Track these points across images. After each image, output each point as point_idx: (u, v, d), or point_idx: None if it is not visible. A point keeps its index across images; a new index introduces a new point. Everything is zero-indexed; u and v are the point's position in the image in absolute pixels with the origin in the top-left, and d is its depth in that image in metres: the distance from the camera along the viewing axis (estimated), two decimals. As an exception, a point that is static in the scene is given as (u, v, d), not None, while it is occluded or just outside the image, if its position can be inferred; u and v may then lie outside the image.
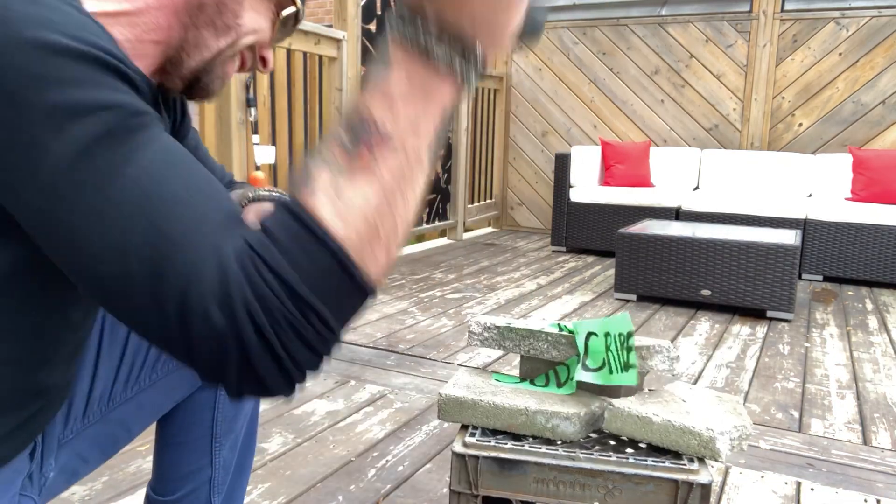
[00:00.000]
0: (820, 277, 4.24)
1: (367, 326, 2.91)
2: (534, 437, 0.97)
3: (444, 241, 5.38)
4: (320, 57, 3.88)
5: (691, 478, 0.89)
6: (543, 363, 1.07)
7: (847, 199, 4.36)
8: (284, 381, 0.51)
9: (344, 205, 0.50)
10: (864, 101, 4.78)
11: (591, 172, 5.04)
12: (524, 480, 0.93)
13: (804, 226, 4.22)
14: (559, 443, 0.96)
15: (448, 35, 0.53)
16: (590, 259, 4.76)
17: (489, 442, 0.96)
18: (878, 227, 4.03)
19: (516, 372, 1.11)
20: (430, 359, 2.52)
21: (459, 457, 0.95)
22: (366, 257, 0.51)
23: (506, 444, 0.95)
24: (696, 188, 5.00)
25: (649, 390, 1.04)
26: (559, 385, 1.02)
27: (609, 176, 5.00)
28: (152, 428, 1.00)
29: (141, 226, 0.49)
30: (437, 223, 5.20)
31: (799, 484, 1.67)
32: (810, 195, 4.64)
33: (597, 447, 0.95)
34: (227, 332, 0.48)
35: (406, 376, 2.34)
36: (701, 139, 5.30)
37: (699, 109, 5.28)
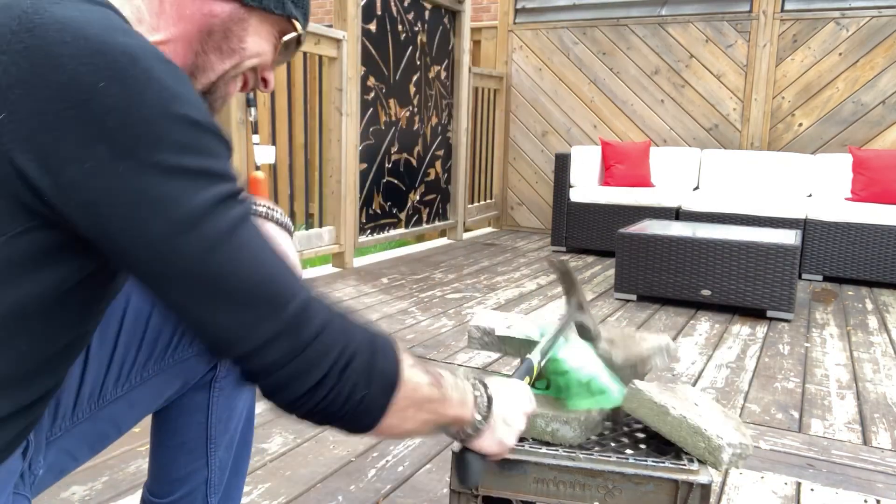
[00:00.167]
0: (820, 277, 4.24)
1: (367, 326, 2.91)
2: (533, 440, 0.97)
3: (444, 241, 5.38)
4: (320, 57, 3.88)
5: (691, 478, 0.89)
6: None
7: (847, 199, 4.36)
8: (284, 387, 0.66)
9: (411, 369, 0.74)
10: (864, 101, 4.78)
11: (591, 172, 5.04)
12: (524, 480, 0.93)
13: (804, 226, 4.22)
14: (559, 442, 0.96)
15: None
16: (590, 259, 4.76)
17: (489, 442, 0.95)
18: (878, 227, 4.03)
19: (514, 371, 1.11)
20: (430, 359, 2.52)
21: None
22: (399, 400, 0.72)
23: (506, 444, 0.95)
24: (696, 188, 5.00)
25: (668, 385, 1.04)
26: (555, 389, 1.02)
27: (609, 176, 5.00)
28: (147, 430, 1.00)
29: (269, 262, 0.65)
30: (437, 223, 5.20)
31: (799, 484, 1.67)
32: (810, 195, 4.64)
33: (597, 447, 0.95)
34: (317, 348, 0.66)
35: (406, 376, 2.34)
36: (701, 139, 5.30)
37: (699, 109, 5.28)
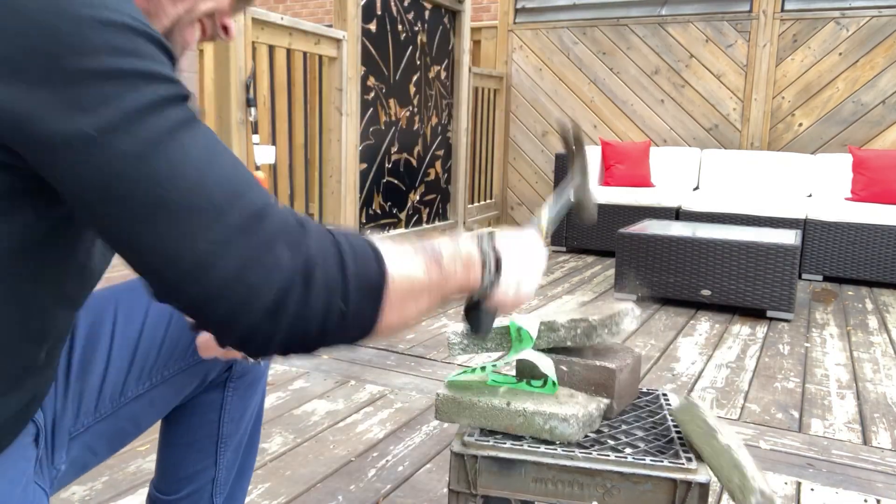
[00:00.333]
0: (820, 277, 4.23)
1: (366, 326, 2.91)
2: (532, 438, 0.97)
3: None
4: (320, 57, 3.88)
5: (689, 477, 0.89)
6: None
7: (847, 198, 4.36)
8: (251, 315, 0.58)
9: (400, 262, 0.66)
10: (864, 101, 4.77)
11: (590, 172, 5.03)
12: (523, 480, 0.93)
13: (804, 226, 4.21)
14: (558, 442, 0.96)
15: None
16: (590, 259, 4.76)
17: (488, 442, 0.96)
18: (878, 227, 4.03)
19: (514, 373, 1.11)
20: (430, 359, 2.52)
21: (458, 456, 0.95)
22: (392, 299, 0.64)
23: (504, 443, 0.95)
24: (696, 188, 5.00)
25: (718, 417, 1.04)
26: (543, 385, 1.02)
27: (609, 176, 5.00)
28: (154, 427, 1.00)
29: (221, 167, 0.58)
30: (437, 223, 5.20)
31: (799, 484, 1.67)
32: (810, 195, 4.64)
33: (595, 446, 0.95)
34: (291, 264, 0.58)
35: (406, 376, 2.34)
36: (701, 139, 5.30)
37: (699, 109, 5.28)
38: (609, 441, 0.98)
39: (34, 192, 0.58)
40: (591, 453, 0.93)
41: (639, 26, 5.40)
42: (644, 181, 4.93)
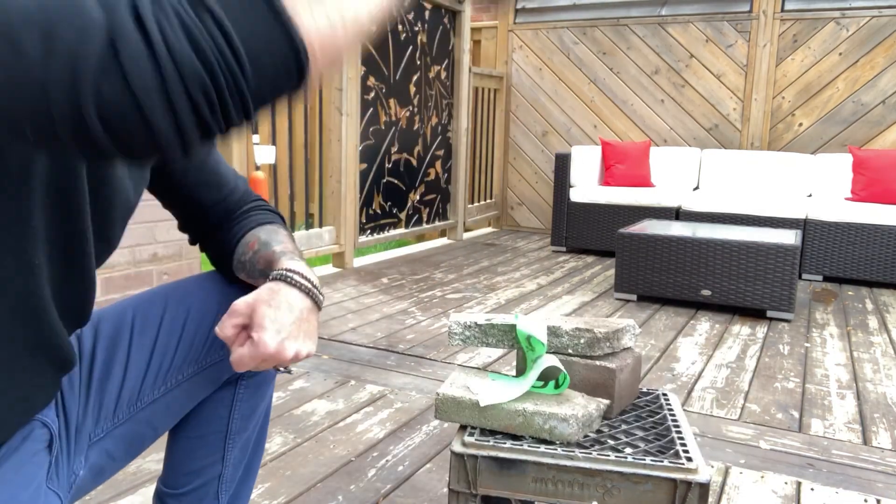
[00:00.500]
0: (820, 277, 4.23)
1: (367, 326, 2.91)
2: (532, 438, 0.97)
3: (444, 241, 5.38)
4: (320, 57, 3.88)
5: (689, 477, 0.89)
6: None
7: (847, 198, 4.36)
8: (163, 101, 0.41)
9: None
10: (864, 101, 4.77)
11: (591, 172, 5.04)
12: (523, 480, 0.93)
13: (804, 226, 4.21)
14: (557, 442, 0.96)
15: None
16: (590, 259, 4.76)
17: (488, 441, 0.96)
18: (879, 227, 4.03)
19: (514, 373, 1.11)
20: (430, 359, 2.52)
21: (458, 456, 0.95)
22: (299, 4, 0.45)
23: (504, 443, 0.95)
24: (696, 188, 5.00)
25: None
26: (556, 386, 1.02)
27: (609, 176, 5.00)
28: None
29: None
30: (437, 223, 5.20)
31: (799, 484, 1.67)
32: (810, 195, 4.64)
33: (595, 446, 0.95)
34: (98, 16, 0.40)
35: (406, 376, 2.34)
36: (701, 139, 5.30)
37: (699, 109, 5.28)
38: (609, 441, 0.98)
39: None
40: (591, 453, 0.93)
41: (639, 26, 5.40)
42: (644, 181, 4.93)
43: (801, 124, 4.97)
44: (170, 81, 0.41)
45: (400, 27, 4.48)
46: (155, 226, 3.04)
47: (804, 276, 4.25)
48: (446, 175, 5.28)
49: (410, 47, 4.63)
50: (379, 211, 4.47)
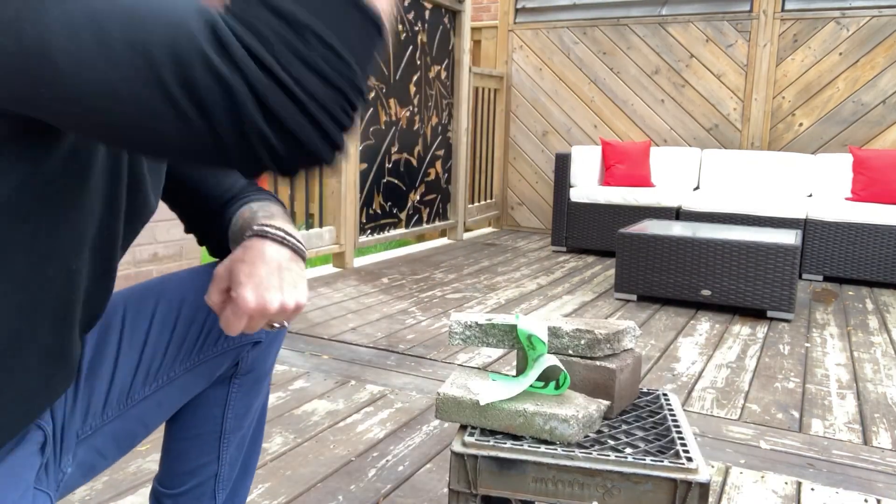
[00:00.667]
0: (820, 277, 4.23)
1: (367, 326, 2.91)
2: (532, 438, 0.97)
3: (444, 241, 5.38)
4: (320, 57, 3.88)
5: (690, 477, 0.89)
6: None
7: (847, 198, 4.36)
8: (314, 129, 0.49)
9: None
10: (864, 101, 4.77)
11: (591, 172, 5.04)
12: (523, 480, 0.93)
13: (804, 226, 4.21)
14: (558, 442, 0.96)
15: None
16: (590, 259, 4.76)
17: (488, 441, 0.96)
18: (879, 226, 4.03)
19: (515, 373, 1.11)
20: (430, 359, 2.52)
21: (458, 456, 0.95)
22: None
23: (505, 443, 0.95)
24: (697, 188, 5.00)
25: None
26: (557, 386, 1.02)
27: (609, 176, 5.00)
28: (160, 426, 1.01)
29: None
30: (437, 223, 5.20)
31: (799, 484, 1.67)
32: (810, 195, 4.64)
33: (595, 446, 0.95)
34: (229, 74, 0.47)
35: (406, 376, 2.34)
36: (701, 139, 5.30)
37: (699, 109, 5.28)
38: (609, 441, 0.98)
39: (22, 136, 0.55)
40: (591, 453, 0.93)
41: (639, 26, 5.40)
42: (644, 181, 4.93)
43: (801, 124, 4.97)
44: (318, 115, 0.50)
45: (400, 27, 4.48)
46: (155, 226, 3.04)
47: (804, 276, 4.25)
48: (446, 175, 5.28)
49: (410, 47, 4.63)
50: (379, 211, 4.48)
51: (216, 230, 0.97)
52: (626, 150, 4.99)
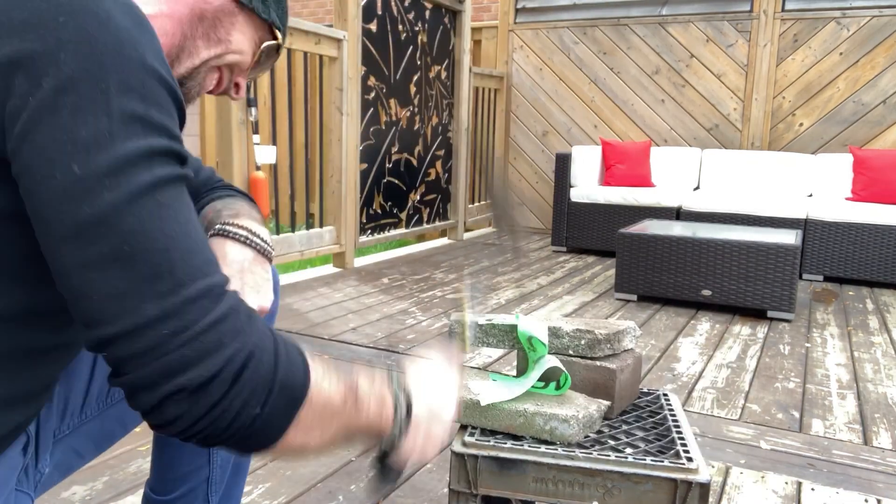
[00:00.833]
0: (820, 277, 4.23)
1: (367, 326, 2.91)
2: (532, 438, 0.97)
3: (444, 241, 5.38)
4: (321, 56, 3.88)
5: (690, 477, 0.89)
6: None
7: (848, 198, 4.36)
8: (167, 401, 0.56)
9: (322, 380, 0.65)
10: (864, 101, 4.77)
11: (591, 172, 5.04)
12: (523, 480, 0.93)
13: (805, 226, 4.21)
14: (558, 442, 0.96)
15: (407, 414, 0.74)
16: (590, 259, 4.76)
17: (488, 441, 0.96)
18: (879, 226, 4.03)
19: (515, 373, 1.11)
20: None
21: (458, 456, 0.95)
22: (304, 418, 0.62)
23: (505, 443, 0.95)
24: (697, 188, 5.00)
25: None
26: (557, 387, 1.02)
27: (609, 176, 5.00)
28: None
29: (180, 239, 0.57)
30: (437, 223, 5.20)
31: (799, 484, 1.67)
32: (811, 195, 4.63)
33: (595, 446, 0.95)
34: (223, 339, 0.57)
35: (406, 376, 2.34)
36: (701, 139, 5.30)
37: (699, 109, 5.28)
38: (609, 441, 0.98)
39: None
40: (591, 453, 0.93)
41: (639, 26, 5.40)
42: (644, 181, 4.93)
43: (801, 124, 4.97)
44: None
45: (400, 27, 4.48)
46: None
47: (805, 276, 4.25)
48: (447, 175, 5.28)
49: (411, 47, 4.63)
50: (379, 211, 4.47)
51: None
52: (626, 150, 4.99)
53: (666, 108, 5.37)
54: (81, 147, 0.53)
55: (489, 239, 5.51)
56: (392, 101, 4.48)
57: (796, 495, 1.62)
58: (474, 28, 5.77)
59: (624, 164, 4.96)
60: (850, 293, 3.92)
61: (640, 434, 1.01)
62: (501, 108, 5.91)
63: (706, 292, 3.33)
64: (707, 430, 1.97)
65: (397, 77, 4.50)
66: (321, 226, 4.04)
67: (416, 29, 4.68)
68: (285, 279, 3.80)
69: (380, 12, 4.25)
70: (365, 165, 4.26)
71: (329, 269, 4.11)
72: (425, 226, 5.04)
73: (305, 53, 3.80)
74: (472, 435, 0.98)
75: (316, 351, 2.57)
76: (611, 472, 0.90)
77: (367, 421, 0.69)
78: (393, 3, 4.38)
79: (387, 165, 4.51)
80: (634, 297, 3.53)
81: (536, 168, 5.88)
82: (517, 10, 5.82)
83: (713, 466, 1.74)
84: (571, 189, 4.93)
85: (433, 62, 4.93)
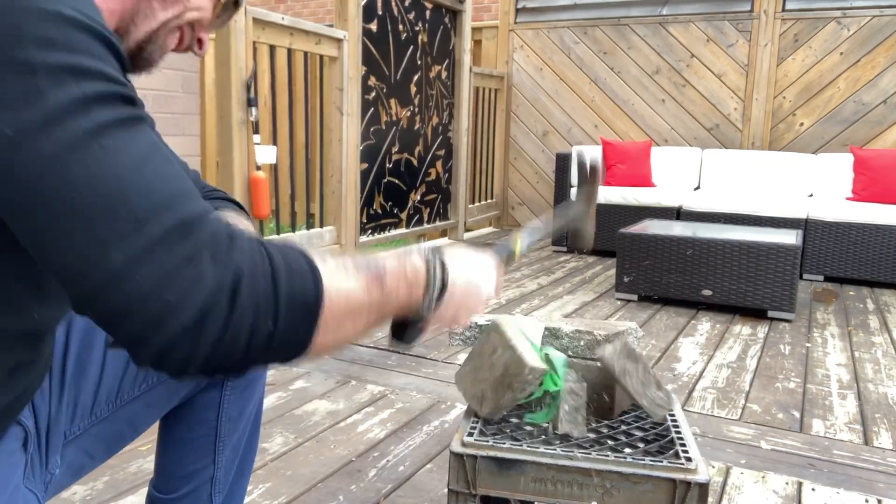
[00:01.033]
0: (821, 277, 4.23)
1: (367, 326, 2.91)
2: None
3: (444, 241, 5.38)
4: (321, 56, 3.88)
5: (689, 477, 0.89)
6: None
7: (848, 198, 4.36)
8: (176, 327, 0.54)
9: (338, 279, 0.62)
10: (865, 101, 4.77)
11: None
12: (522, 480, 0.93)
13: (805, 226, 4.21)
14: (557, 442, 0.96)
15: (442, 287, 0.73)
16: (590, 259, 4.76)
17: (487, 441, 0.96)
18: (879, 226, 4.02)
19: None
20: (430, 359, 2.52)
21: (457, 456, 0.95)
22: (328, 319, 0.61)
23: (504, 443, 0.95)
24: (697, 188, 5.00)
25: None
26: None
27: (610, 175, 5.00)
28: (154, 426, 1.00)
29: (149, 174, 0.55)
30: (437, 223, 5.20)
31: (800, 484, 1.67)
32: (811, 195, 4.63)
33: (595, 447, 0.95)
34: (220, 273, 0.54)
35: (407, 376, 2.34)
36: (702, 139, 5.29)
37: (700, 109, 5.28)
38: (609, 441, 0.98)
39: None
40: (590, 453, 0.93)
41: (640, 26, 5.39)
42: (645, 181, 4.93)
43: (802, 124, 4.97)
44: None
45: (401, 27, 4.48)
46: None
47: (805, 276, 4.25)
48: (447, 175, 5.28)
49: (411, 47, 4.63)
50: (380, 211, 4.47)
51: None
52: (626, 150, 4.99)
53: (666, 107, 5.37)
54: (8, 108, 0.51)
55: (489, 239, 5.50)
56: (392, 101, 4.48)
57: (797, 495, 1.62)
58: (475, 28, 5.77)
59: (624, 164, 4.95)
60: (851, 293, 3.92)
61: (640, 434, 1.01)
62: (502, 107, 5.91)
63: (707, 292, 3.33)
64: (707, 430, 1.97)
65: (398, 77, 4.50)
66: (321, 226, 4.04)
67: (417, 29, 4.68)
68: (286, 279, 3.79)
69: (380, 12, 4.25)
70: (365, 165, 4.26)
71: (329, 269, 4.10)
72: (426, 226, 5.04)
73: (306, 53, 3.80)
74: (470, 435, 0.98)
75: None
76: (610, 472, 0.90)
77: (397, 303, 0.69)
78: (393, 3, 4.38)
79: (387, 165, 4.51)
80: (635, 297, 3.52)
81: (537, 168, 5.88)
82: (517, 10, 5.82)
83: (714, 467, 1.74)
84: (572, 189, 4.93)
85: (433, 62, 4.93)
